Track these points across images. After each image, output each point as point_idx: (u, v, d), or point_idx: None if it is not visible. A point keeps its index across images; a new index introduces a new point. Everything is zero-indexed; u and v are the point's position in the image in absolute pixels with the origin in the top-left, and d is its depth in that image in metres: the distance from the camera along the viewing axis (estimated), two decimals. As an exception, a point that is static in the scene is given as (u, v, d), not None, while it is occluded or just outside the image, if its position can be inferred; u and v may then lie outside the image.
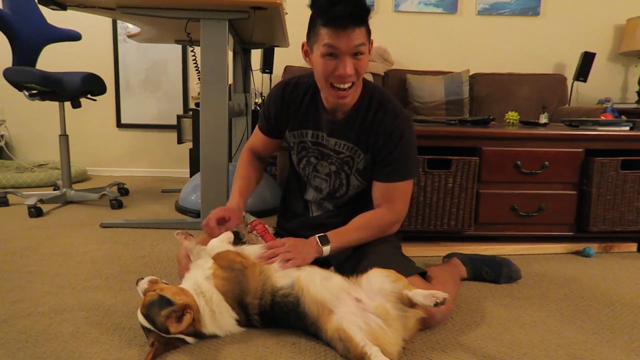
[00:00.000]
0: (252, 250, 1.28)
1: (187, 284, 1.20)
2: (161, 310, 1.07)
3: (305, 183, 1.55)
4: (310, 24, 1.28)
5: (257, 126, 1.56)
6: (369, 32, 1.27)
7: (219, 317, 1.15)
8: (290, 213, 1.61)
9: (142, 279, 1.19)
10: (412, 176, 1.40)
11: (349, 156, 1.41)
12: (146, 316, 1.09)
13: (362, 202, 1.44)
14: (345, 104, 1.34)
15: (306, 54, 1.33)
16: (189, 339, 1.13)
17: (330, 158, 1.44)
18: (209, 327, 1.14)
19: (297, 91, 1.43)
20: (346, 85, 1.27)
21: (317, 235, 1.31)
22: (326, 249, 1.30)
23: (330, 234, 1.33)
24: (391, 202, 1.38)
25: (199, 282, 1.18)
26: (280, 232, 1.52)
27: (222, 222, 1.36)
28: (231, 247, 1.27)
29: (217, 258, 1.22)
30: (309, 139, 1.45)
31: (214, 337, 1.16)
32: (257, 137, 1.56)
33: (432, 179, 1.81)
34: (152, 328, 1.08)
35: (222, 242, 1.27)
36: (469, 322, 1.30)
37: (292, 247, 1.27)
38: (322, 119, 1.41)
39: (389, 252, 1.37)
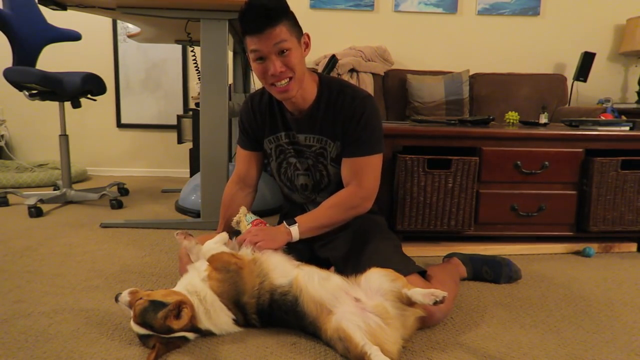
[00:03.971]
0: (248, 250, 1.28)
1: (180, 285, 1.20)
2: (157, 314, 1.07)
3: (290, 189, 1.59)
4: (242, 37, 1.35)
5: (237, 148, 1.61)
6: (293, 25, 1.32)
7: (214, 316, 1.15)
8: (290, 213, 1.63)
9: (121, 293, 1.17)
10: (377, 151, 1.43)
11: (321, 147, 1.46)
12: (142, 324, 1.08)
13: None
14: (291, 98, 1.38)
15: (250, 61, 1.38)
16: (190, 335, 1.13)
17: (305, 153, 1.49)
18: (204, 323, 1.14)
19: (262, 100, 1.51)
20: (283, 82, 1.33)
21: (285, 220, 1.37)
22: (294, 229, 1.35)
23: (298, 217, 1.38)
24: (359, 177, 1.41)
25: (194, 283, 1.18)
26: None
27: None
28: (226, 249, 1.27)
29: (212, 260, 1.22)
30: (283, 140, 1.51)
31: (213, 335, 1.17)
32: (239, 159, 1.60)
33: (432, 179, 1.81)
34: (151, 333, 1.08)
35: (216, 243, 1.28)
36: (469, 322, 1.30)
37: (259, 231, 1.33)
38: (288, 119, 1.47)
39: (389, 251, 1.38)
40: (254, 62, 1.33)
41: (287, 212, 1.67)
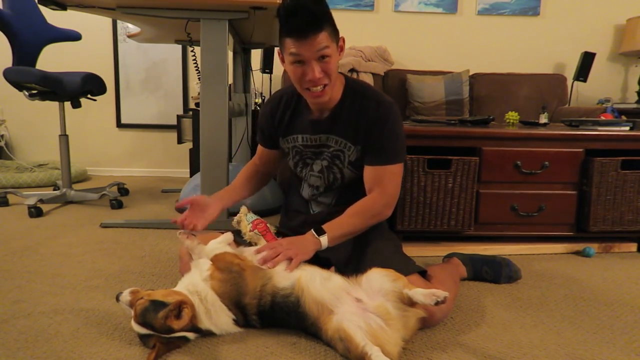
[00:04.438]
0: (251, 251, 1.28)
1: (181, 284, 1.20)
2: (157, 313, 1.07)
3: (301, 181, 1.60)
4: (279, 35, 1.33)
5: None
6: (334, 32, 1.32)
7: (214, 316, 1.15)
8: (292, 212, 1.64)
9: (121, 293, 1.17)
10: (400, 159, 1.43)
11: (339, 150, 1.45)
12: (142, 324, 1.08)
13: (362, 194, 1.44)
14: (323, 103, 1.39)
15: (282, 60, 1.38)
16: (190, 335, 1.13)
17: (322, 154, 1.48)
18: (205, 323, 1.14)
19: (281, 102, 1.52)
20: (319, 87, 1.33)
21: (312, 229, 1.33)
22: (323, 239, 1.32)
23: (325, 225, 1.35)
24: (381, 185, 1.41)
25: (195, 282, 1.18)
26: (282, 231, 1.53)
27: (198, 209, 1.43)
28: (229, 249, 1.27)
29: (215, 260, 1.22)
30: (299, 142, 1.51)
31: (213, 335, 1.17)
32: (258, 150, 1.66)
33: (432, 179, 1.81)
34: (151, 333, 1.08)
35: (220, 243, 1.28)
36: (469, 322, 1.31)
37: (291, 244, 1.28)
38: (308, 120, 1.46)
39: (389, 250, 1.38)
40: (291, 64, 1.32)
41: (286, 211, 1.67)
